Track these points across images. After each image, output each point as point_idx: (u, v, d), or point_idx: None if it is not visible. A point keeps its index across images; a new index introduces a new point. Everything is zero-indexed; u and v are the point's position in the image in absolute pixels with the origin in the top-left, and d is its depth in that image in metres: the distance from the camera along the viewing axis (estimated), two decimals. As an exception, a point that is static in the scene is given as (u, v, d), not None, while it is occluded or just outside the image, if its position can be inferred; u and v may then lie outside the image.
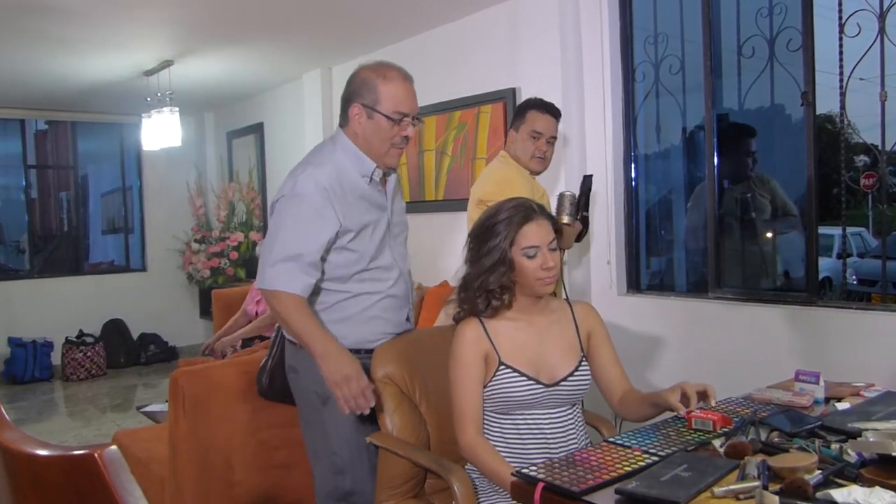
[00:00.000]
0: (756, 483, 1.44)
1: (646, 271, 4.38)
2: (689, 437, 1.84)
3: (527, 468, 1.68)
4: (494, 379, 2.13)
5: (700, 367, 3.75)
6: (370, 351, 2.42)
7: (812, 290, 3.42)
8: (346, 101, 2.44)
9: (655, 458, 1.68)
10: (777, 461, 1.53)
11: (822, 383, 2.16)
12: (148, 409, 4.91)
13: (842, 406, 2.05)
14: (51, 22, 4.81)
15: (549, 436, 2.14)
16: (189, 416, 2.98)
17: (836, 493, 1.37)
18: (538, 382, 2.12)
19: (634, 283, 4.28)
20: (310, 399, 2.45)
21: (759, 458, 1.59)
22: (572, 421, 2.19)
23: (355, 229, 2.37)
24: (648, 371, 4.04)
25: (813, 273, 3.44)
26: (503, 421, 2.16)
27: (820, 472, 1.49)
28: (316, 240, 2.30)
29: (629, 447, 1.78)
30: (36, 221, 8.81)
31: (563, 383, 2.15)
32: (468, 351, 2.15)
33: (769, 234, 4.04)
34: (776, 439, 1.76)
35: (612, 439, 1.86)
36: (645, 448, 1.76)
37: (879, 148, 3.24)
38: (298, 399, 2.52)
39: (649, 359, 4.03)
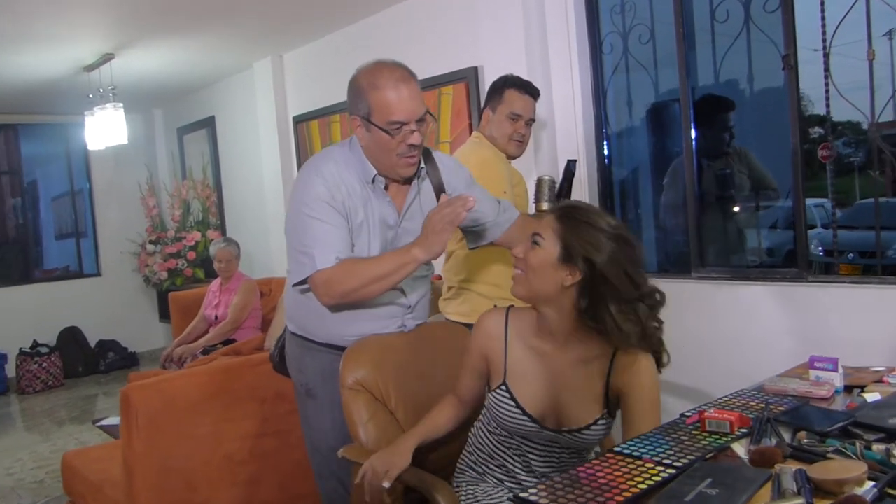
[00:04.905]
0: (799, 500, 1.22)
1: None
2: (705, 442, 1.62)
3: (523, 490, 1.46)
4: (492, 394, 1.95)
5: (687, 352, 3.55)
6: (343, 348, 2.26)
7: (802, 266, 3.27)
8: (349, 112, 2.25)
9: (672, 471, 1.46)
10: (819, 471, 1.32)
11: (840, 370, 1.97)
12: (104, 422, 4.66)
13: (871, 397, 1.85)
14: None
15: (535, 469, 1.95)
16: (143, 434, 2.81)
17: (898, 510, 1.17)
18: (537, 424, 1.90)
19: (612, 265, 4.10)
20: (297, 388, 2.44)
21: (793, 465, 1.38)
22: (572, 464, 1.93)
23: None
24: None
25: (802, 248, 3.29)
26: (489, 431, 1.98)
27: (872, 483, 1.28)
28: (330, 230, 2.17)
29: (639, 458, 1.55)
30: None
31: (567, 434, 1.90)
32: (475, 344, 2.03)
33: (751, 210, 3.90)
34: (805, 440, 1.55)
35: (618, 448, 1.62)
36: (658, 458, 1.53)
37: (867, 115, 3.07)
38: (294, 385, 2.48)
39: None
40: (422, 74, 4.80)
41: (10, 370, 7.47)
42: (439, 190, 2.34)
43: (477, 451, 2.04)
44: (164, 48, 5.81)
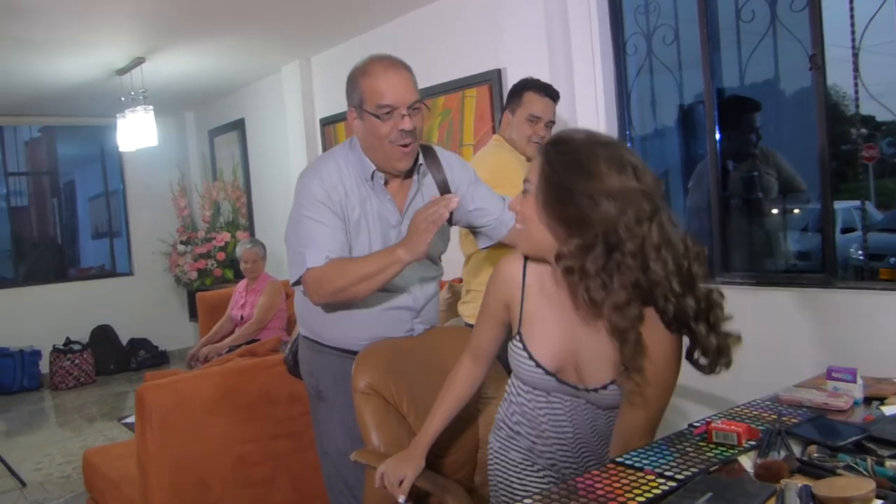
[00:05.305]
0: (801, 517, 1.17)
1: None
2: (710, 454, 1.54)
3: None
4: (510, 344, 1.82)
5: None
6: (355, 353, 2.22)
7: (830, 271, 3.17)
8: (347, 107, 2.25)
9: (673, 484, 1.39)
10: (824, 488, 1.25)
11: (860, 381, 1.87)
12: (129, 420, 4.69)
13: (889, 410, 1.74)
14: (11, 23, 4.57)
15: (563, 426, 1.79)
16: (157, 433, 2.81)
17: (904, 531, 1.10)
18: (554, 377, 1.73)
19: (636, 270, 4.02)
20: (308, 390, 2.43)
21: (799, 481, 1.31)
22: (606, 422, 1.79)
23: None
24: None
25: (830, 252, 3.19)
26: (522, 388, 1.85)
27: (881, 502, 1.20)
28: (324, 230, 2.17)
29: (640, 469, 1.48)
30: (22, 229, 8.68)
31: (586, 392, 1.74)
32: (494, 292, 1.85)
33: (778, 213, 3.80)
34: (815, 455, 1.47)
35: (619, 459, 1.56)
36: (660, 470, 1.46)
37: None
38: (305, 387, 2.48)
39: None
40: (445, 77, 4.85)
41: (44, 366, 7.58)
42: (443, 187, 2.31)
43: (513, 405, 1.90)
44: (194, 52, 5.86)
